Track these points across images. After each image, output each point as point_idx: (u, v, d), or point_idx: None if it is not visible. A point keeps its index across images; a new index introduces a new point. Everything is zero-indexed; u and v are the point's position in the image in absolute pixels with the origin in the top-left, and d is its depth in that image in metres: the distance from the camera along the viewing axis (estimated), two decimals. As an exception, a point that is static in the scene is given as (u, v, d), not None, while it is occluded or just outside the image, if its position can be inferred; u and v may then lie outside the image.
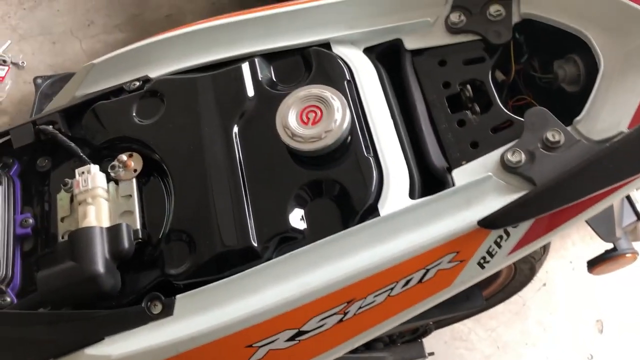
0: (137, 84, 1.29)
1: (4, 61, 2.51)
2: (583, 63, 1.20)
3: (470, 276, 1.07)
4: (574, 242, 2.19)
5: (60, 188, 1.20)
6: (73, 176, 1.19)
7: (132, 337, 1.05)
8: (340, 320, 1.07)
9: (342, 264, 1.05)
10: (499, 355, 2.06)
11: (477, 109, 1.20)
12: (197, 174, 1.16)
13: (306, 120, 1.13)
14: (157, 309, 1.07)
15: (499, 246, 1.06)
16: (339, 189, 1.12)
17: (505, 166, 1.08)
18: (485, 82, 1.21)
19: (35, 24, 2.66)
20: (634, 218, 1.41)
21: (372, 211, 1.09)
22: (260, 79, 1.24)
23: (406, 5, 1.28)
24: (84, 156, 1.22)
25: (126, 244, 1.10)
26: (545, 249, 1.50)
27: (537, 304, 2.11)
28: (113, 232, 1.11)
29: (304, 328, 1.06)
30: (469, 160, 1.13)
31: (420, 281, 1.06)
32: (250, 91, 1.22)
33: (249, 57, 1.27)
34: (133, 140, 1.23)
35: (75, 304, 1.08)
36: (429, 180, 1.15)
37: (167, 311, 1.06)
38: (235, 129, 1.19)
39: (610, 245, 1.43)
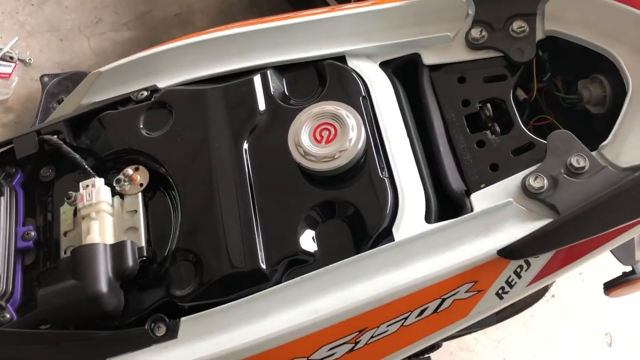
0: (145, 93, 1.25)
1: (11, 58, 2.48)
2: (609, 84, 1.16)
3: (488, 307, 1.03)
4: (585, 255, 2.16)
5: (64, 200, 1.17)
6: (77, 188, 1.15)
7: (134, 360, 1.02)
8: (351, 350, 1.03)
9: (355, 291, 1.01)
10: (505, 366, 2.02)
11: (498, 129, 1.16)
12: (205, 191, 1.12)
13: (319, 138, 1.09)
14: (161, 331, 1.04)
15: (519, 276, 1.02)
16: (352, 211, 1.08)
17: (526, 191, 1.04)
18: (507, 101, 1.17)
19: (43, 21, 2.63)
20: (655, 241, 1.37)
21: (386, 235, 1.05)
22: (272, 92, 1.20)
23: (425, 18, 1.23)
24: (88, 169, 1.19)
25: (130, 262, 1.07)
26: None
27: (545, 316, 2.07)
28: (117, 249, 1.07)
29: (313, 357, 1.02)
30: (488, 183, 1.09)
31: (435, 311, 1.02)
32: (262, 105, 1.19)
33: (261, 69, 1.23)
34: (140, 153, 1.19)
35: (76, 324, 1.05)
36: (445, 203, 1.11)
37: (172, 334, 1.03)
38: (246, 145, 1.15)
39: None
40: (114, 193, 1.16)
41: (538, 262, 1.02)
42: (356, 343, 1.03)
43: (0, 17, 2.61)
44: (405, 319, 1.02)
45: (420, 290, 1.00)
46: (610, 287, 1.43)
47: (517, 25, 1.19)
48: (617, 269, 1.47)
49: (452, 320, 1.04)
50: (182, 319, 1.03)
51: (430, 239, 1.03)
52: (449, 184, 1.10)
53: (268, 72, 1.22)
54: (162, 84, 1.26)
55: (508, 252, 0.99)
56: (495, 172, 1.11)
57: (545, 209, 1.03)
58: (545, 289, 1.64)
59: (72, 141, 1.24)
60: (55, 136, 1.23)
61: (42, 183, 1.24)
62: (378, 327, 1.02)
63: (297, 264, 1.06)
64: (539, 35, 1.19)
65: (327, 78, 1.20)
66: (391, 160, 1.11)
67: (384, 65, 1.24)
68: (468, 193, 1.09)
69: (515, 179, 1.07)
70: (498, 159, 1.12)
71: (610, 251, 1.37)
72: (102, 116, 1.24)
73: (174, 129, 1.20)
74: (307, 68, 1.24)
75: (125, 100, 1.26)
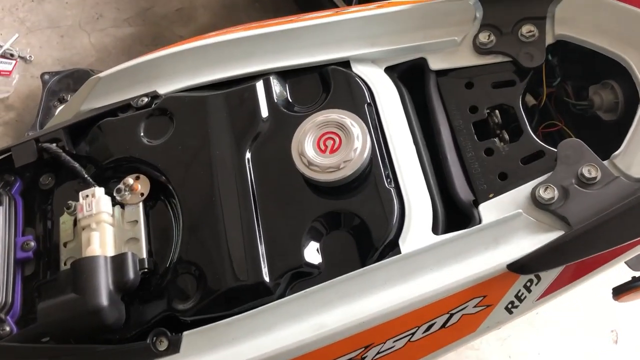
0: (145, 100, 1.22)
1: (12, 55, 2.45)
2: (622, 90, 1.13)
3: (497, 322, 1.01)
4: (591, 252, 2.14)
5: (64, 210, 1.15)
6: (77, 197, 1.13)
7: (135, 375, 1.00)
8: (357, 366, 1.01)
9: (360, 305, 0.99)
10: (511, 364, 2.01)
11: (506, 136, 1.13)
12: (207, 201, 1.10)
13: (324, 148, 1.07)
14: (163, 345, 1.02)
15: (529, 290, 1.00)
16: (357, 222, 1.05)
17: (536, 202, 1.01)
18: (516, 107, 1.14)
19: (44, 17, 2.60)
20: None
21: (393, 247, 1.03)
22: (275, 99, 1.17)
23: (431, 22, 1.20)
24: (88, 178, 1.16)
25: (131, 274, 1.05)
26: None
27: (551, 313, 2.04)
28: (118, 261, 1.06)
29: (318, 373, 1.00)
30: (497, 193, 1.06)
31: (443, 326, 1.00)
32: (265, 112, 1.16)
33: (263, 75, 1.20)
34: (140, 161, 1.17)
35: (77, 337, 1.04)
36: (453, 214, 1.08)
37: (174, 349, 1.01)
38: (248, 154, 1.12)
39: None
40: (114, 203, 1.14)
41: (549, 275, 1.00)
42: (362, 359, 1.00)
43: (0, 13, 2.59)
44: (413, 334, 1.00)
45: (428, 305, 0.98)
46: (620, 292, 1.40)
47: (526, 29, 1.16)
48: (623, 266, 1.44)
49: (460, 335, 1.02)
50: (185, 333, 1.02)
51: (438, 251, 1.00)
52: (456, 194, 1.08)
53: (271, 77, 1.20)
54: (163, 89, 1.23)
55: (518, 267, 0.96)
56: (504, 182, 1.08)
57: (555, 221, 1.00)
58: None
59: (72, 149, 1.22)
60: (55, 144, 1.21)
61: (42, 191, 1.22)
62: (384, 342, 1.00)
63: (301, 277, 1.04)
64: (549, 40, 1.16)
65: (331, 84, 1.17)
66: (397, 169, 1.09)
67: (389, 70, 1.22)
68: (476, 203, 1.07)
69: (525, 189, 1.04)
70: (507, 167, 1.09)
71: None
72: (102, 123, 1.22)
73: (175, 136, 1.17)
74: (311, 73, 1.21)
75: (126, 106, 1.24)
